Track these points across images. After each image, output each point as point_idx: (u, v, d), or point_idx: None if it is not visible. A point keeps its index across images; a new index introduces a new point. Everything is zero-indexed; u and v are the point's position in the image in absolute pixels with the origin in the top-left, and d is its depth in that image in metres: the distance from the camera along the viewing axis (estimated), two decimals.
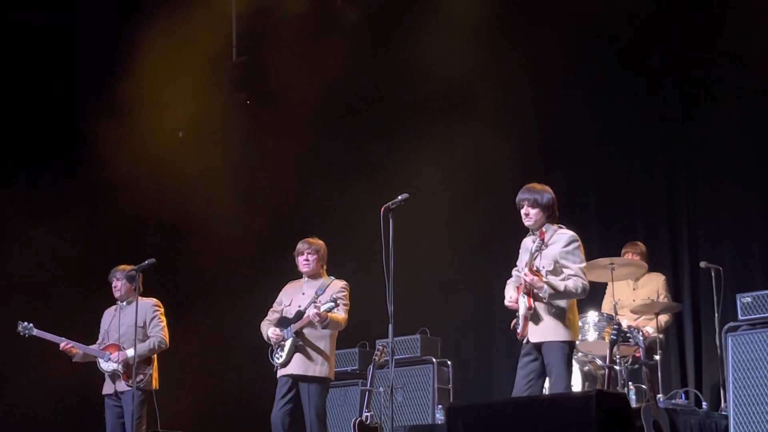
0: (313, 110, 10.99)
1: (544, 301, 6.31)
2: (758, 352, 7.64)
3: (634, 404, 7.45)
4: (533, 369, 6.41)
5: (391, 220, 6.32)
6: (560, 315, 6.34)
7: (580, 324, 7.99)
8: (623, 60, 9.69)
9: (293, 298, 7.56)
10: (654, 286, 8.46)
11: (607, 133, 9.68)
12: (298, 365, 7.34)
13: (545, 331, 6.36)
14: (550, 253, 6.40)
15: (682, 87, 9.39)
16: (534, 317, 6.36)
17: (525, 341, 6.44)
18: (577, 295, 6.37)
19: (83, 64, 11.02)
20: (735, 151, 8.99)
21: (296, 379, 7.37)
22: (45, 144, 10.67)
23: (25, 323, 8.16)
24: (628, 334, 7.47)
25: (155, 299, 8.25)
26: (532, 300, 6.34)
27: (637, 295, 8.46)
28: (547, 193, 6.48)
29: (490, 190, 10.04)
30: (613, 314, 7.91)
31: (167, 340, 8.13)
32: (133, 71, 10.42)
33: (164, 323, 8.16)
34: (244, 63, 10.83)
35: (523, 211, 6.49)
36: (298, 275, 7.69)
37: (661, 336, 8.14)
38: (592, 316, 7.98)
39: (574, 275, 6.34)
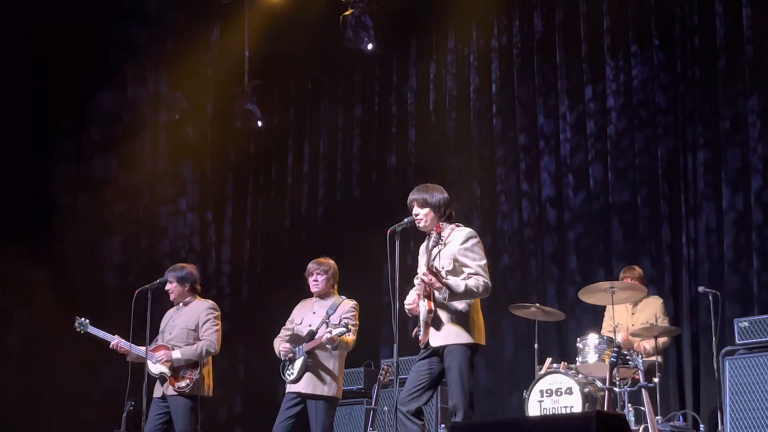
0: (326, 138, 11.25)
1: (445, 301, 6.03)
2: (755, 376, 7.77)
3: (633, 426, 7.58)
4: (426, 377, 6.14)
5: (397, 242, 6.19)
6: (462, 318, 6.09)
7: (580, 346, 8.08)
8: (620, 85, 9.80)
9: (304, 316, 7.58)
10: (652, 310, 8.45)
11: (609, 158, 9.75)
12: (307, 384, 7.37)
13: (447, 335, 6.10)
14: (448, 252, 6.15)
15: (683, 115, 9.43)
16: (435, 322, 6.10)
17: (424, 346, 6.17)
18: (479, 295, 6.10)
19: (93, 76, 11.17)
20: (736, 178, 9.04)
21: (304, 397, 7.39)
22: None
23: (82, 319, 7.86)
24: (627, 357, 7.52)
25: (212, 302, 7.97)
26: (432, 303, 6.07)
27: (636, 319, 8.45)
28: (437, 192, 6.26)
29: (494, 213, 10.21)
30: (613, 337, 7.99)
31: (217, 345, 7.75)
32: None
33: (218, 327, 7.79)
34: (256, 87, 11.00)
35: (413, 212, 6.24)
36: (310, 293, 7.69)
37: (659, 359, 8.15)
38: (592, 338, 8.02)
39: (474, 273, 6.08)
